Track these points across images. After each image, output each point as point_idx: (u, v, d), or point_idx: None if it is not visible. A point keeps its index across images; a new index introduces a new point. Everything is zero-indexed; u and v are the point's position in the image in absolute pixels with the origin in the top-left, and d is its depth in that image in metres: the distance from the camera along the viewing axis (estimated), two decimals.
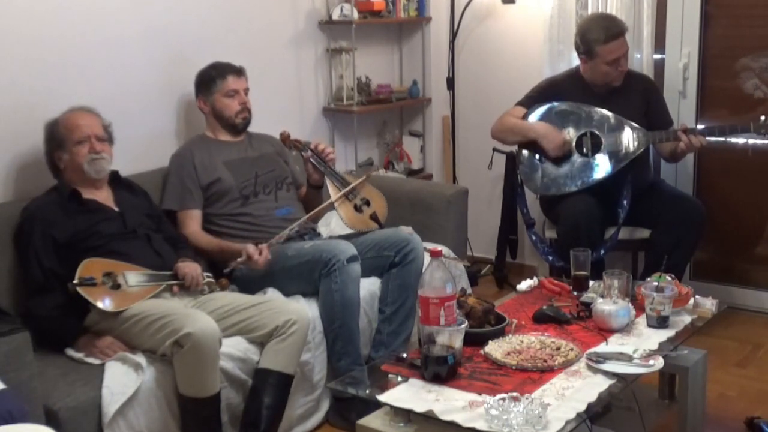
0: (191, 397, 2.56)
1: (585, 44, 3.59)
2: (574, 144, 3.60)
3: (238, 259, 3.01)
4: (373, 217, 3.36)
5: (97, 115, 2.94)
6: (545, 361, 2.31)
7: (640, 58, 3.95)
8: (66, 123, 2.86)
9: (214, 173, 3.26)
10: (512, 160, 3.99)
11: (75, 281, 2.61)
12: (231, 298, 2.91)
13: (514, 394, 2.06)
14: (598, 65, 3.59)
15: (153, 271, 2.81)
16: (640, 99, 3.68)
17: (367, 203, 3.39)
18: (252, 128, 3.48)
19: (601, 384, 2.20)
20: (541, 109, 3.69)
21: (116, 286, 2.68)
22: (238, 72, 3.36)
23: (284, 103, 4.10)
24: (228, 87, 3.32)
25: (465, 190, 3.85)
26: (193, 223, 3.22)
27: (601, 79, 3.62)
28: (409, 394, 2.18)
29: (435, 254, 2.35)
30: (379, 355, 3.08)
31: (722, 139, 3.60)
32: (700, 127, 3.72)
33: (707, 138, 3.48)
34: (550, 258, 3.70)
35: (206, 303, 2.85)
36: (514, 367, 2.29)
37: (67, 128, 2.85)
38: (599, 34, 3.53)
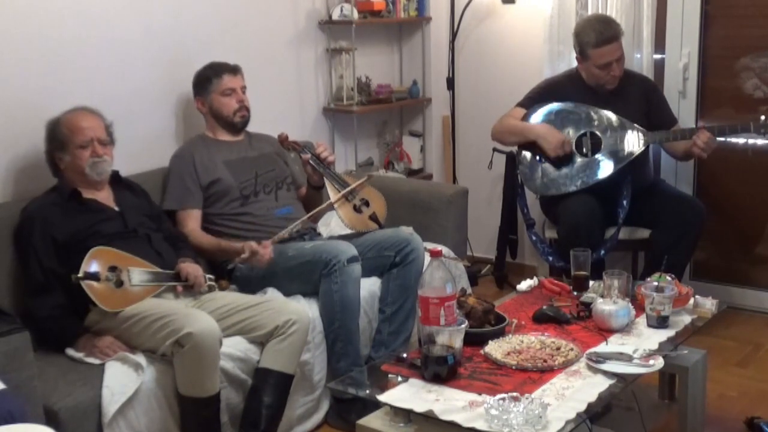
0: (191, 397, 2.56)
1: (578, 45, 3.62)
2: (573, 144, 3.60)
3: (242, 255, 3.01)
4: (373, 218, 3.36)
5: (99, 116, 2.93)
6: (545, 361, 2.31)
7: (640, 58, 3.95)
8: (68, 124, 2.85)
9: (214, 173, 3.26)
10: (512, 160, 3.99)
11: (79, 274, 2.60)
12: (231, 298, 2.91)
13: (514, 394, 2.06)
14: (590, 67, 3.61)
15: (158, 269, 2.81)
16: (640, 99, 3.68)
17: (367, 204, 3.39)
18: (252, 128, 3.48)
19: (601, 384, 2.20)
20: (542, 110, 3.69)
21: (119, 283, 2.68)
22: (234, 70, 3.36)
23: (284, 103, 4.10)
24: (224, 86, 3.32)
25: (465, 190, 3.85)
26: (192, 222, 3.22)
27: (593, 80, 3.63)
28: (409, 394, 2.18)
29: (435, 254, 2.35)
30: (379, 355, 3.08)
31: (722, 138, 3.60)
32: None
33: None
34: (550, 258, 3.70)
35: (206, 303, 2.85)
36: (514, 367, 2.29)
37: (70, 130, 2.84)
38: (591, 37, 3.54)
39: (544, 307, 2.69)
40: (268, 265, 3.03)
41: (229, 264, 3.10)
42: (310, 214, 3.30)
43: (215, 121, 3.37)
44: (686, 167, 3.99)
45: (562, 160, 3.60)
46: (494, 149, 4.18)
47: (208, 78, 3.34)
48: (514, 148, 3.86)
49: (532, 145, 3.66)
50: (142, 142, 3.40)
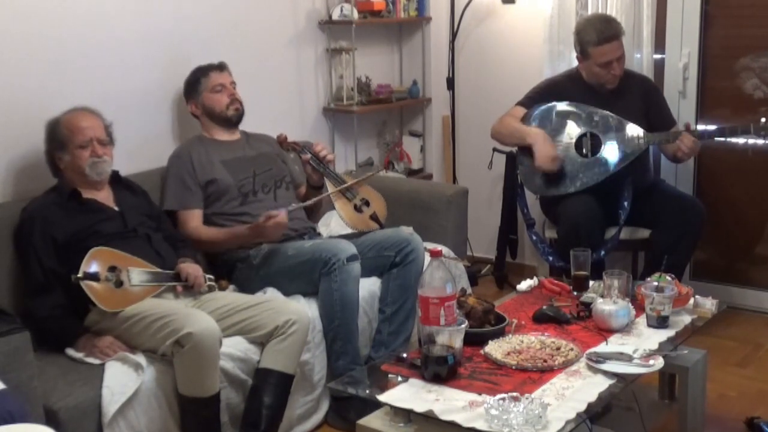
0: (191, 397, 2.56)
1: (579, 44, 3.62)
2: (574, 145, 3.60)
3: (260, 220, 3.02)
4: (373, 218, 3.36)
5: (98, 116, 2.93)
6: (545, 361, 2.31)
7: (640, 58, 3.95)
8: (68, 124, 2.85)
9: (211, 173, 3.26)
10: (512, 160, 3.99)
11: (79, 274, 2.60)
12: (231, 298, 2.91)
13: (514, 394, 2.06)
14: (590, 66, 3.61)
15: (158, 269, 2.81)
16: (640, 100, 3.68)
17: (367, 203, 3.39)
18: (252, 128, 3.48)
19: (601, 384, 2.20)
20: (543, 110, 3.68)
21: (119, 283, 2.68)
22: (220, 67, 3.38)
23: (284, 103, 4.10)
24: (213, 82, 3.33)
25: (465, 190, 3.85)
26: (194, 220, 3.22)
27: (594, 79, 3.63)
28: (409, 394, 2.18)
29: (435, 254, 2.35)
30: (379, 355, 3.08)
31: (722, 139, 3.60)
32: (700, 128, 3.73)
33: (708, 139, 3.50)
34: (550, 258, 3.69)
35: (206, 303, 2.85)
36: (514, 367, 2.29)
37: (69, 130, 2.84)
38: (592, 36, 3.54)
39: (544, 307, 2.68)
40: (284, 230, 3.06)
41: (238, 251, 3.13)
42: (318, 198, 3.31)
43: (210, 120, 3.37)
44: (686, 167, 3.99)
45: (549, 176, 3.59)
46: (494, 149, 4.18)
47: (196, 79, 3.36)
48: (515, 148, 3.86)
49: (530, 148, 3.65)
50: (140, 142, 3.40)
